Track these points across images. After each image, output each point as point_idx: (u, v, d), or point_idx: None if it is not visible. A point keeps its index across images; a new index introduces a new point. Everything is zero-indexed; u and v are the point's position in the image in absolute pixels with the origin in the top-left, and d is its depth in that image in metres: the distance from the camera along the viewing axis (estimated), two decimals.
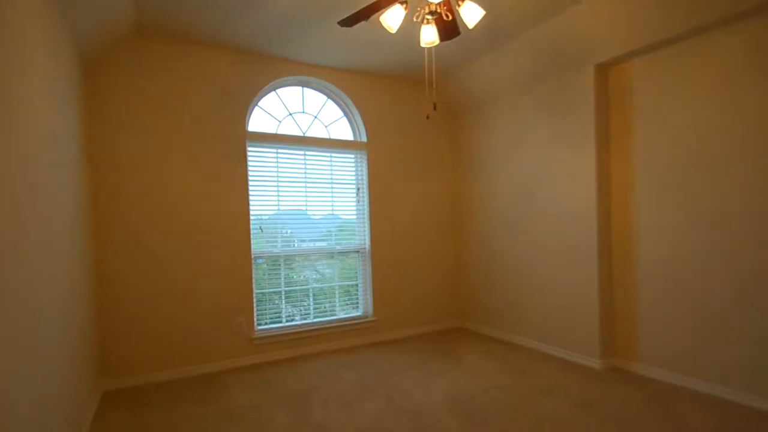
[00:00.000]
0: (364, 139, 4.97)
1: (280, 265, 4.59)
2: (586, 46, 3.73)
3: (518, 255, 4.68)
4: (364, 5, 2.97)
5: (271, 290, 4.54)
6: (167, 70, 3.98)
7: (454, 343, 4.78)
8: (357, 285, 5.03)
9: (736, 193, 3.07)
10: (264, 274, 4.53)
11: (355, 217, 5.02)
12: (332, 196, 4.87)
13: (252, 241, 4.35)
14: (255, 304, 4.39)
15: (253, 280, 4.37)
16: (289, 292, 4.66)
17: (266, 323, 4.50)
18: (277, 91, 4.63)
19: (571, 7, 3.49)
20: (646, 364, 3.67)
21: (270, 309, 4.54)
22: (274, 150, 4.53)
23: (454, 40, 3.26)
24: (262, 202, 4.47)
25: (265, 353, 4.37)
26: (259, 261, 4.47)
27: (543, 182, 4.35)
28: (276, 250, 4.56)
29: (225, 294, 4.20)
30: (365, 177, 4.99)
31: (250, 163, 4.37)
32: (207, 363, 4.10)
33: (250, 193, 4.35)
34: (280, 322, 4.58)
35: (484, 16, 2.49)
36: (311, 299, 4.76)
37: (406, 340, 4.96)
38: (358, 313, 5.00)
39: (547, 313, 4.35)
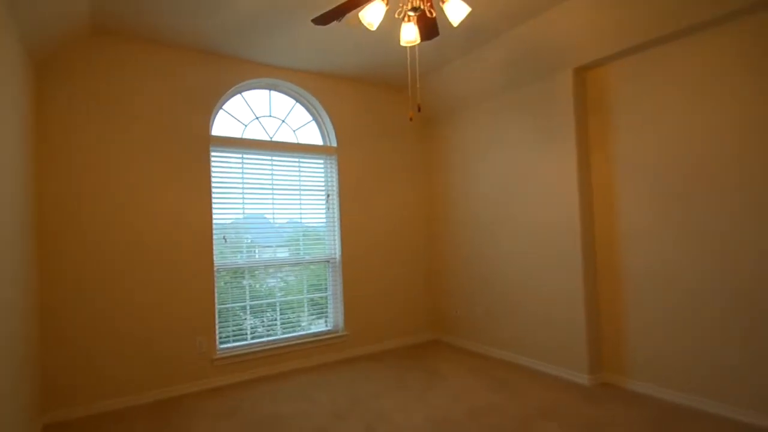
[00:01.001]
0: (334, 143, 4.75)
1: (244, 277, 4.30)
2: (564, 49, 3.66)
3: (497, 262, 4.53)
4: (339, 2, 2.77)
5: (234, 304, 4.24)
6: (125, 70, 3.68)
7: (432, 359, 4.58)
8: (326, 297, 4.78)
9: (721, 195, 3.01)
10: (227, 287, 4.22)
11: (324, 225, 4.78)
12: (300, 204, 4.62)
13: (215, 252, 4.05)
14: (217, 321, 4.07)
15: (215, 294, 4.06)
16: (254, 306, 4.37)
17: (229, 341, 4.19)
18: (243, 94, 4.37)
19: (548, 9, 3.40)
20: (637, 380, 3.52)
21: (233, 324, 4.23)
22: (240, 155, 4.25)
23: (430, 41, 3.10)
24: (226, 211, 4.18)
25: (229, 374, 4.05)
26: (222, 273, 4.17)
27: (523, 187, 4.22)
28: (240, 261, 4.27)
29: (184, 310, 3.87)
30: (335, 183, 4.77)
31: (213, 169, 4.08)
32: (163, 387, 3.74)
33: (214, 201, 4.06)
34: (245, 339, 4.28)
35: (469, 14, 2.33)
36: (278, 313, 4.49)
37: (380, 355, 4.73)
38: (328, 327, 4.75)
39: (529, 324, 4.19)
